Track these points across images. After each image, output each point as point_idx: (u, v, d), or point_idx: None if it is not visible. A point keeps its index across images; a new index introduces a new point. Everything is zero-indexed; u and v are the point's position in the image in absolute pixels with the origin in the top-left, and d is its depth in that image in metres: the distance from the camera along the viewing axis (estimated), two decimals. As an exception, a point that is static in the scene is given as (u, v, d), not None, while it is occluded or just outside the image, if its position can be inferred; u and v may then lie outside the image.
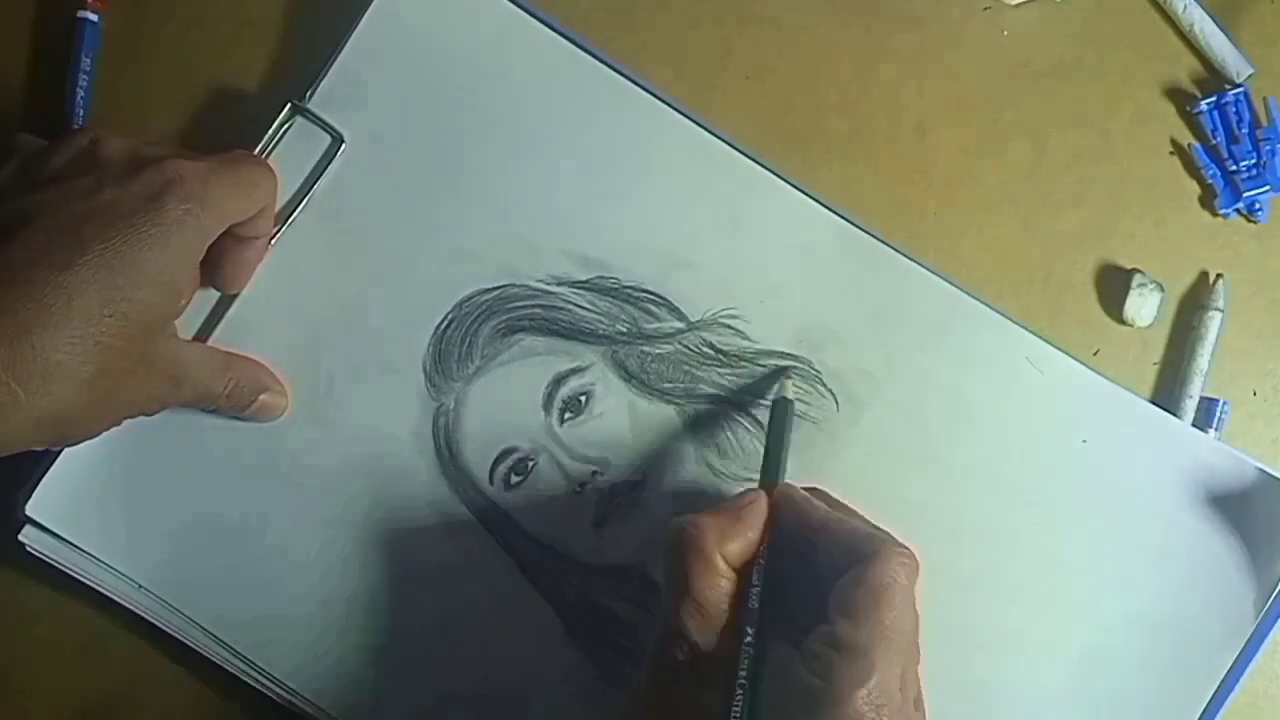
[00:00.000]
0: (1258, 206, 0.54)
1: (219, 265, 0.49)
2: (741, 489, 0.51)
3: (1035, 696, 0.51)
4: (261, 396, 0.50)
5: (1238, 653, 0.51)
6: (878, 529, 0.43)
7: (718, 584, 0.42)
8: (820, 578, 0.42)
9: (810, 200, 0.52)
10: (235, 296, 0.51)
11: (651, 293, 0.52)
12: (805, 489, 0.46)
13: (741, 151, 0.52)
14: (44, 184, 0.44)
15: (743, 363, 0.52)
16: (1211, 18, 0.55)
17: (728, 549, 0.42)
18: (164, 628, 0.50)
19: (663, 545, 0.43)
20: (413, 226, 0.52)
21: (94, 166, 0.45)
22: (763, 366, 0.52)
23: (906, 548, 0.42)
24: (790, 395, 0.50)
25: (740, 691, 0.40)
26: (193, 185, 0.44)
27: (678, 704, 0.41)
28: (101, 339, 0.42)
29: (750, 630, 0.41)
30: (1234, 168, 0.54)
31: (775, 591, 0.42)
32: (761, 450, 0.49)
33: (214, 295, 0.51)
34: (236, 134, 0.51)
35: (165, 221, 0.43)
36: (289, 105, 0.51)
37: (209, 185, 0.45)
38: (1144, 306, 0.53)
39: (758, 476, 0.48)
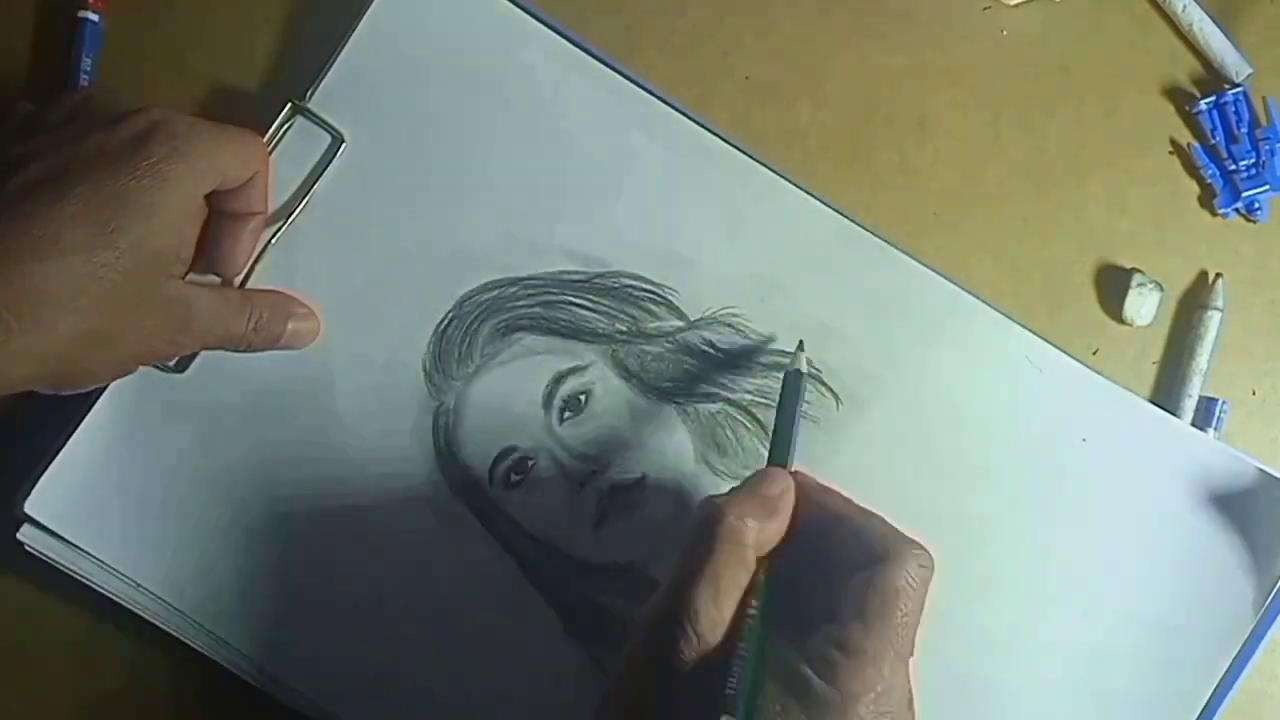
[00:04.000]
0: (1257, 206, 0.54)
1: (215, 246, 0.49)
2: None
3: (1035, 695, 0.51)
4: (289, 324, 0.50)
5: (1237, 651, 0.51)
6: (894, 529, 0.42)
7: (741, 579, 0.40)
8: (829, 574, 0.41)
9: (810, 199, 0.52)
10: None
11: (651, 291, 0.52)
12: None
13: (742, 151, 0.52)
14: (37, 134, 0.45)
15: (742, 361, 0.52)
16: (1211, 18, 0.55)
17: (760, 539, 0.41)
18: (164, 627, 0.50)
19: (691, 523, 0.41)
20: (413, 226, 0.52)
21: (84, 117, 0.46)
22: (762, 365, 0.52)
23: (924, 550, 0.41)
24: (803, 368, 0.48)
25: (734, 685, 0.38)
26: (178, 127, 0.45)
27: (668, 692, 0.39)
28: (94, 272, 0.42)
29: (758, 624, 0.39)
30: (1233, 167, 0.54)
31: (782, 582, 0.41)
32: (761, 449, 0.49)
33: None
34: (237, 133, 0.51)
35: (152, 157, 0.44)
36: (289, 105, 0.51)
37: (195, 130, 0.46)
38: (1143, 306, 0.53)
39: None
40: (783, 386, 0.48)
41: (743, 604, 0.40)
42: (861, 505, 0.44)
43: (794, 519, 0.42)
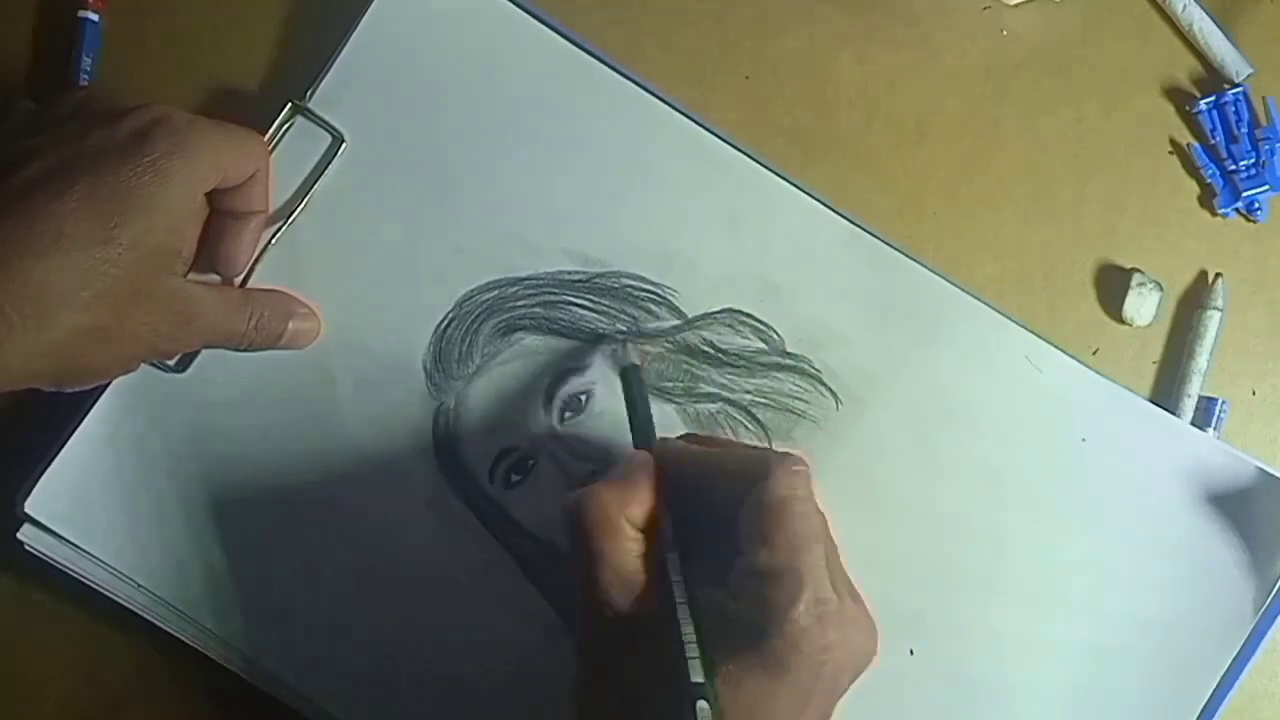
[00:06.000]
0: (1257, 206, 0.54)
1: (217, 245, 0.49)
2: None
3: (1035, 695, 0.51)
4: (290, 324, 0.50)
5: (1237, 650, 0.51)
6: (760, 449, 0.43)
7: (629, 548, 0.42)
8: (724, 515, 0.42)
9: (810, 199, 0.52)
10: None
11: (651, 292, 0.52)
12: (679, 437, 0.47)
13: (741, 151, 0.52)
14: (39, 131, 0.45)
15: (742, 361, 0.52)
16: (1211, 18, 0.55)
17: (630, 513, 0.42)
18: (164, 627, 0.50)
19: (564, 522, 0.43)
20: (413, 226, 0.52)
21: (84, 114, 0.46)
22: (762, 365, 0.52)
23: (793, 456, 0.42)
24: (635, 360, 0.49)
25: (689, 639, 0.40)
26: (179, 123, 0.45)
27: (622, 670, 0.42)
28: (96, 267, 0.42)
29: (680, 583, 0.41)
30: (1233, 167, 0.54)
31: (688, 540, 0.43)
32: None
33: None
34: (237, 133, 0.51)
35: (153, 153, 0.44)
36: (289, 105, 0.51)
37: (195, 127, 0.46)
38: (1143, 306, 0.53)
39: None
40: (623, 382, 0.49)
41: (656, 575, 0.42)
42: (727, 439, 0.46)
43: (667, 483, 0.44)
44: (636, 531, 0.42)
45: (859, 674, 0.42)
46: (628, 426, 0.51)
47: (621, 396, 0.51)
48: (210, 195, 0.48)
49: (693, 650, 0.40)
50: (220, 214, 0.49)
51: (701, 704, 0.39)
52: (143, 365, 0.49)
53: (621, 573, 0.42)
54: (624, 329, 0.52)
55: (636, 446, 0.47)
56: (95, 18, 0.53)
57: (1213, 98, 0.55)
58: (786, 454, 0.42)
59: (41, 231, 0.42)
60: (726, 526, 0.42)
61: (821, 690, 0.40)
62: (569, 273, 0.52)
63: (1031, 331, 0.52)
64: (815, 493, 0.43)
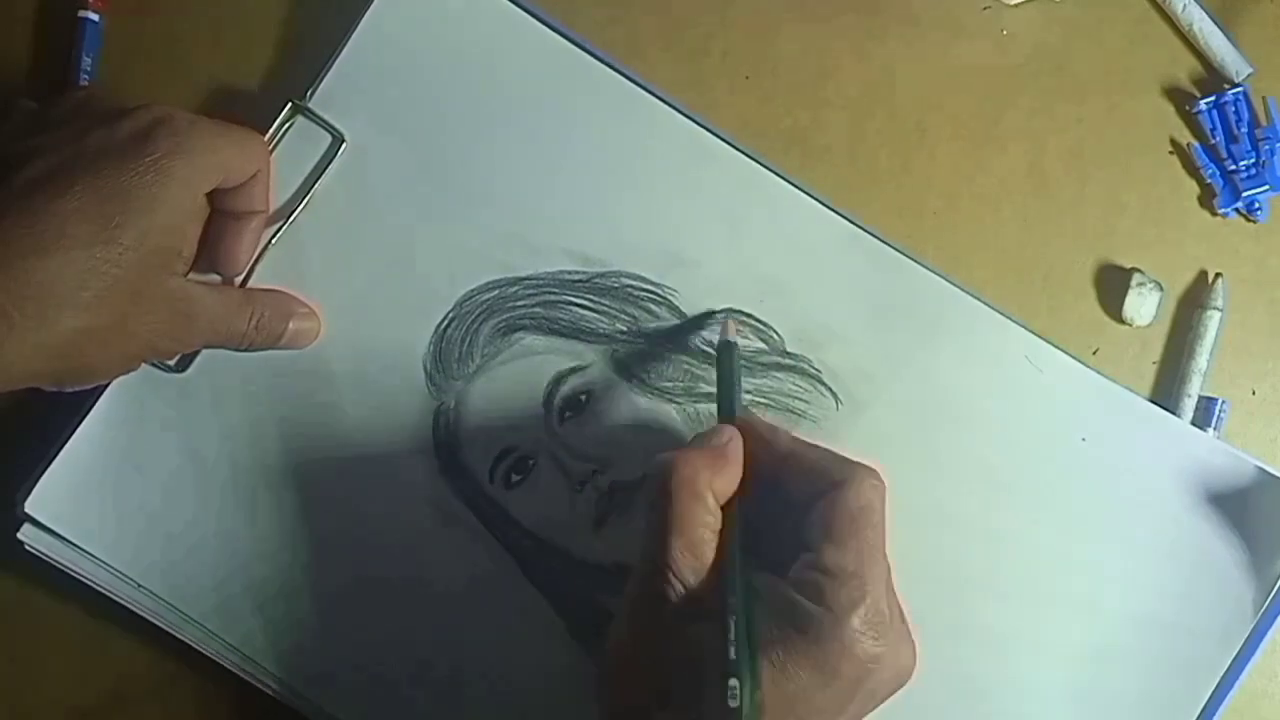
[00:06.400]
0: (1257, 206, 0.54)
1: (218, 244, 0.49)
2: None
3: (1035, 695, 0.51)
4: (290, 324, 0.50)
5: (1237, 650, 0.51)
6: (841, 455, 0.44)
7: (708, 522, 0.42)
8: (792, 505, 0.43)
9: (810, 200, 0.52)
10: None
11: (652, 291, 0.52)
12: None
13: (741, 151, 0.52)
14: (40, 131, 0.45)
15: (742, 361, 0.52)
16: (1211, 17, 0.55)
17: (717, 487, 0.43)
18: (164, 626, 0.50)
19: (651, 482, 0.42)
20: (413, 225, 0.52)
21: (85, 114, 0.46)
22: (761, 364, 0.52)
23: (873, 469, 0.43)
24: (732, 337, 0.49)
25: (732, 621, 0.40)
26: (180, 123, 0.45)
27: (666, 642, 0.41)
28: (97, 267, 0.43)
29: (738, 562, 0.42)
30: (1233, 167, 0.54)
31: (750, 522, 0.43)
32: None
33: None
34: (237, 133, 0.51)
35: (155, 153, 0.44)
36: (290, 104, 0.51)
37: (196, 127, 0.46)
38: (1143, 305, 0.53)
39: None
40: (717, 358, 0.49)
41: (720, 552, 0.42)
42: (806, 439, 0.46)
43: (748, 462, 0.44)
44: (717, 507, 0.42)
45: (893, 694, 0.43)
46: (626, 425, 0.51)
47: (620, 396, 0.51)
48: (211, 195, 0.48)
49: (740, 632, 0.40)
50: (221, 214, 0.49)
51: (733, 681, 0.39)
52: (143, 365, 0.49)
53: (695, 542, 0.42)
54: (624, 328, 0.52)
55: (722, 419, 0.47)
56: (95, 18, 0.53)
57: (1213, 98, 0.55)
58: (867, 466, 0.43)
59: (42, 231, 0.42)
60: (789, 516, 0.42)
61: (861, 699, 0.40)
62: (569, 273, 0.52)
63: (1031, 331, 0.52)
64: (888, 514, 0.43)
